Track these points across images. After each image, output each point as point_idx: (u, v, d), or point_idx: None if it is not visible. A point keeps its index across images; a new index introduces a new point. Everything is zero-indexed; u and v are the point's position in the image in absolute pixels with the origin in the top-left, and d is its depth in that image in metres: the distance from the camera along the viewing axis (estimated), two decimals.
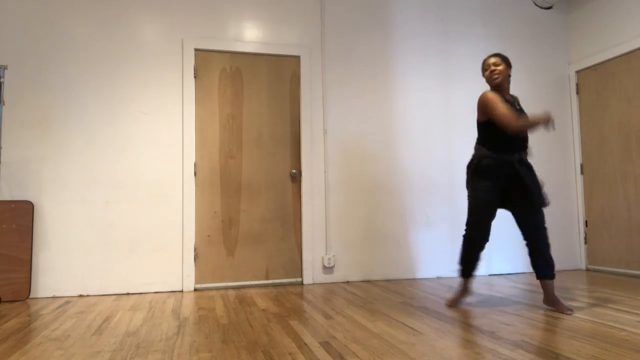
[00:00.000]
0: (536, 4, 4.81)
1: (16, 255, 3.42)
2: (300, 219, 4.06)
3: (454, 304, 3.00)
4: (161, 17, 3.90)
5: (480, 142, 2.93)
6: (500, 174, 2.84)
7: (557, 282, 3.90)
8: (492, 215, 2.90)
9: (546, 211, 4.61)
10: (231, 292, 3.64)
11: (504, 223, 4.49)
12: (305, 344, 2.20)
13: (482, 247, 2.95)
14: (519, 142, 2.84)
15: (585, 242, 4.65)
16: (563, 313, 2.72)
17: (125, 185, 3.73)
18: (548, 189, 4.66)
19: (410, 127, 4.35)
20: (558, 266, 4.61)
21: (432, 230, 4.31)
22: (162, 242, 3.76)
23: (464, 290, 3.01)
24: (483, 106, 2.85)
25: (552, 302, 2.81)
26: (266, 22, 4.12)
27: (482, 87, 4.56)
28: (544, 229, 2.81)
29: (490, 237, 4.42)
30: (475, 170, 2.89)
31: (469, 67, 4.55)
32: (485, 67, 2.93)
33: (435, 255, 4.28)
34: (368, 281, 4.09)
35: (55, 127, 3.65)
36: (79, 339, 2.35)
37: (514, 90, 4.64)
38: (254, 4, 4.10)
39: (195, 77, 3.93)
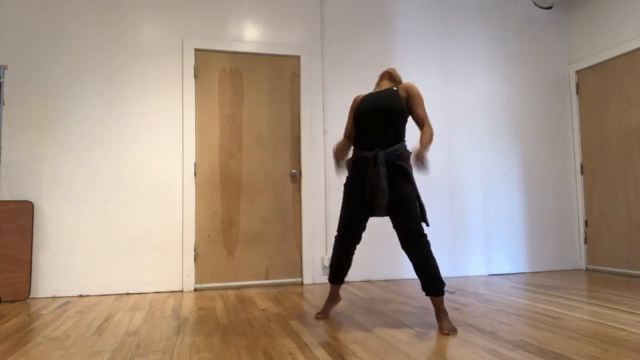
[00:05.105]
0: (536, 4, 4.81)
1: (16, 255, 3.42)
2: (300, 219, 4.06)
3: (323, 312, 2.78)
4: (161, 17, 3.90)
5: (401, 137, 2.62)
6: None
7: (558, 282, 3.90)
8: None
9: (547, 211, 4.62)
10: (231, 292, 3.64)
11: (503, 223, 4.50)
12: (305, 344, 2.20)
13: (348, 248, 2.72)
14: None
15: (585, 242, 4.65)
16: (441, 332, 2.37)
17: (125, 185, 3.73)
18: (548, 189, 4.66)
19: (410, 126, 4.35)
20: (558, 266, 4.61)
21: (432, 230, 4.30)
22: (162, 242, 3.76)
23: (331, 297, 2.80)
24: (419, 96, 2.62)
25: (437, 318, 2.46)
26: (266, 22, 4.12)
27: (482, 86, 4.56)
28: (415, 242, 2.45)
29: (490, 237, 4.44)
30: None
31: (468, 66, 4.55)
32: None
33: (436, 255, 4.28)
34: (368, 281, 4.09)
35: (55, 127, 3.65)
36: (79, 339, 2.34)
37: (514, 88, 4.65)
38: (254, 4, 4.10)
39: (195, 77, 3.93)
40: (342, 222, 2.71)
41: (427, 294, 2.48)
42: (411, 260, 2.50)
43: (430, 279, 2.45)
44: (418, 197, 2.55)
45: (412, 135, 4.35)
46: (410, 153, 2.63)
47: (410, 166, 2.58)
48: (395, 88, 2.67)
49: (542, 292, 3.46)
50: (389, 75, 2.80)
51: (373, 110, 2.61)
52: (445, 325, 2.39)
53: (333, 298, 2.80)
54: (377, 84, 2.84)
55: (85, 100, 3.71)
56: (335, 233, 4.04)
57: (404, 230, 2.49)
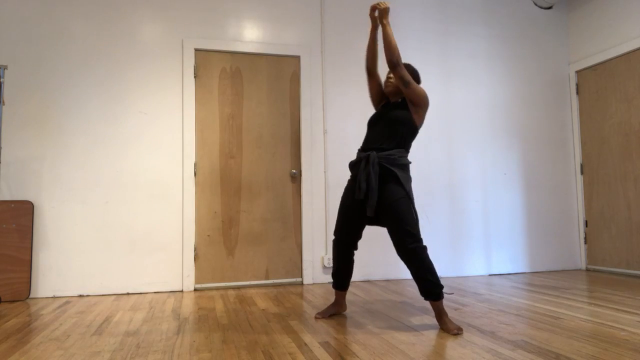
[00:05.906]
0: (536, 4, 4.81)
1: (16, 255, 3.42)
2: (300, 219, 4.06)
3: (323, 315, 2.75)
4: (161, 17, 3.90)
5: (402, 145, 2.61)
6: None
7: (558, 282, 3.90)
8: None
9: (547, 211, 4.62)
10: (231, 292, 3.64)
11: (503, 223, 4.49)
12: (305, 344, 2.20)
13: (346, 255, 2.72)
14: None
15: (585, 242, 4.65)
16: (450, 333, 2.35)
17: (125, 185, 3.73)
18: (548, 189, 4.66)
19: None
20: (558, 266, 4.61)
21: (432, 230, 4.31)
22: (162, 242, 3.76)
23: (334, 302, 2.80)
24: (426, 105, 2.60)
25: (438, 321, 2.45)
26: (266, 22, 4.12)
27: (482, 86, 4.56)
28: (410, 248, 2.40)
29: (490, 237, 4.44)
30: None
31: (469, 66, 4.55)
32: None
33: (435, 255, 4.28)
34: (368, 281, 4.09)
35: (55, 127, 3.65)
36: (79, 339, 2.35)
37: (514, 88, 4.65)
38: (254, 4, 4.10)
39: (195, 77, 3.93)
40: (337, 225, 2.71)
41: (425, 299, 2.47)
42: (407, 266, 2.44)
43: (429, 284, 2.41)
44: (412, 201, 2.49)
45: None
46: (410, 162, 2.61)
47: (403, 175, 2.51)
48: (403, 99, 2.66)
49: (542, 292, 3.46)
50: (397, 89, 2.66)
51: (383, 120, 2.62)
52: (450, 326, 2.37)
53: (337, 304, 2.80)
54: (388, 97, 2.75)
55: (85, 100, 3.71)
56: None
57: (397, 233, 2.43)
